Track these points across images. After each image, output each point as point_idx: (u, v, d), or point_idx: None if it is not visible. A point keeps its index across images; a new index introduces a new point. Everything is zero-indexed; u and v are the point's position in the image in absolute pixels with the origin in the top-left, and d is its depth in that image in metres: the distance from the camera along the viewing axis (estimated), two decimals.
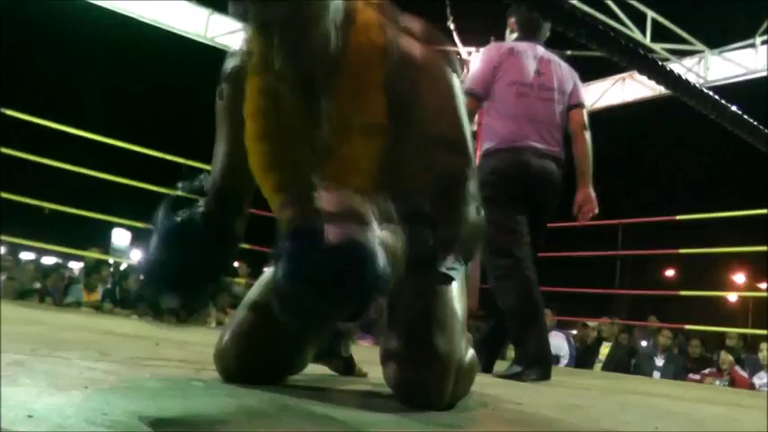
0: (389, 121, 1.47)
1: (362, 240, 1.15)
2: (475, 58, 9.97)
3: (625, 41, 1.40)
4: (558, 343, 8.11)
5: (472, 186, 1.55)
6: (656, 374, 7.81)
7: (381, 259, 1.15)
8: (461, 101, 1.55)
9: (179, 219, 1.48)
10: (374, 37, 1.48)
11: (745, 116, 1.82)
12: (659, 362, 8.05)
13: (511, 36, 4.15)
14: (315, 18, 1.37)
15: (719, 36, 8.54)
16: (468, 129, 1.56)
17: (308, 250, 1.14)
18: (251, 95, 1.54)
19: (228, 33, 9.13)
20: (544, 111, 3.65)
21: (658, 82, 1.59)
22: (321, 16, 1.38)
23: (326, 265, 1.12)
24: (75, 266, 11.49)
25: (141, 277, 1.56)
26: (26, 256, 12.39)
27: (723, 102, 1.69)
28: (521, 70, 3.65)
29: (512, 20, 4.09)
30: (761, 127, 1.83)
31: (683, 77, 1.61)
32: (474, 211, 1.55)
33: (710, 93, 1.73)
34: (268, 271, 1.72)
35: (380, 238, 1.20)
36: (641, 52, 1.49)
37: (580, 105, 3.89)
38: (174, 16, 8.83)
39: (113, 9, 8.48)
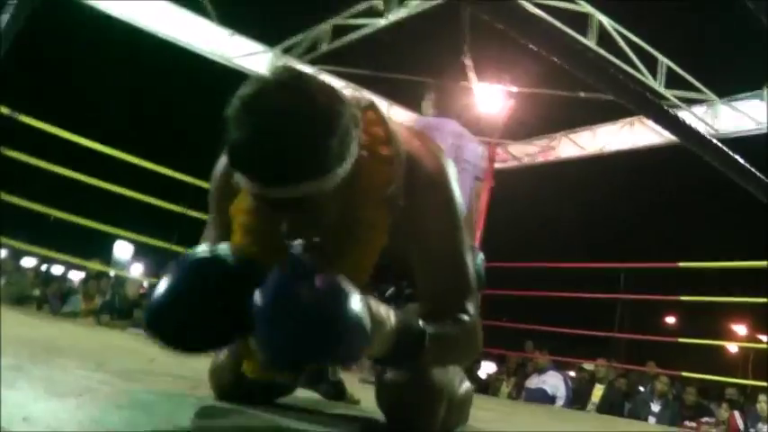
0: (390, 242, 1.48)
1: (345, 287, 1.16)
2: (486, 92, 10.04)
3: (639, 89, 1.43)
4: (555, 383, 8.10)
5: (470, 310, 1.54)
6: (652, 420, 7.77)
7: (363, 311, 1.16)
8: (460, 225, 1.56)
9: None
10: (378, 188, 1.44)
11: (753, 169, 1.84)
12: (655, 407, 8.03)
13: (429, 111, 4.67)
14: (323, 196, 1.28)
15: (729, 85, 8.58)
16: (467, 254, 1.56)
17: (291, 287, 1.15)
18: (240, 209, 1.48)
19: (248, 55, 9.23)
20: (461, 182, 3.98)
21: (670, 131, 1.61)
22: (330, 191, 1.28)
23: (309, 305, 1.12)
24: (76, 277, 11.51)
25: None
26: (27, 262, 12.41)
27: (728, 152, 1.71)
28: (440, 143, 3.99)
29: (431, 97, 4.70)
30: (764, 178, 1.85)
31: (693, 127, 1.63)
32: (468, 337, 1.54)
33: (719, 144, 1.76)
34: None
35: (367, 301, 1.21)
36: (654, 100, 1.51)
37: (480, 179, 4.60)
38: (196, 35, 8.90)
39: (134, 24, 8.54)
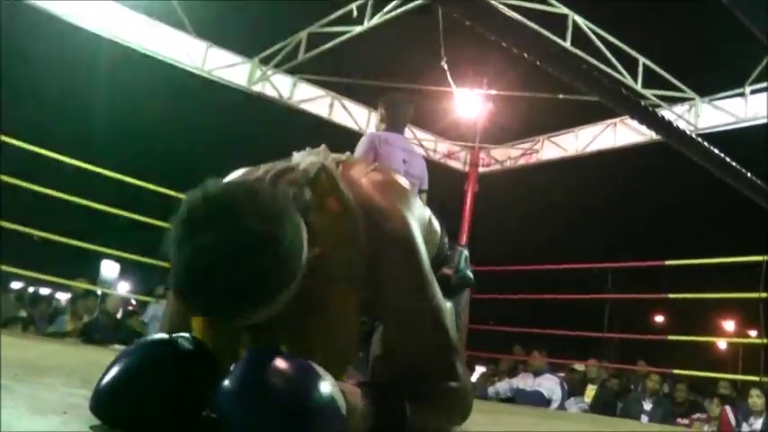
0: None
1: (316, 371, 1.14)
2: (465, 98, 10.07)
3: (618, 87, 1.43)
4: (551, 386, 8.07)
5: (457, 371, 1.49)
6: (644, 418, 7.78)
7: (336, 394, 1.13)
8: (426, 273, 1.49)
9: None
10: (342, 270, 1.40)
11: (733, 162, 1.84)
12: (647, 406, 8.04)
13: (380, 125, 4.81)
14: (278, 310, 1.23)
15: (710, 84, 8.65)
16: (442, 311, 1.50)
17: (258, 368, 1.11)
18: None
19: (227, 66, 9.24)
20: None
21: (650, 128, 1.62)
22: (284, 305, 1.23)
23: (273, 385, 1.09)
24: (63, 297, 11.42)
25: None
26: (13, 284, 12.32)
27: (711, 148, 1.72)
28: (392, 159, 4.38)
29: (382, 111, 4.80)
30: (747, 173, 1.86)
31: (674, 123, 1.63)
32: (459, 384, 1.49)
33: (699, 139, 1.76)
34: None
35: (340, 385, 1.18)
36: (634, 98, 1.52)
37: (424, 191, 4.74)
38: (174, 48, 8.89)
39: (114, 39, 8.53)
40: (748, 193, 1.81)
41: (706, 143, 1.69)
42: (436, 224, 1.91)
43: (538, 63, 1.28)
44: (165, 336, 1.28)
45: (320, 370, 1.14)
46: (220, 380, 1.11)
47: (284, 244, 1.18)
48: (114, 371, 1.20)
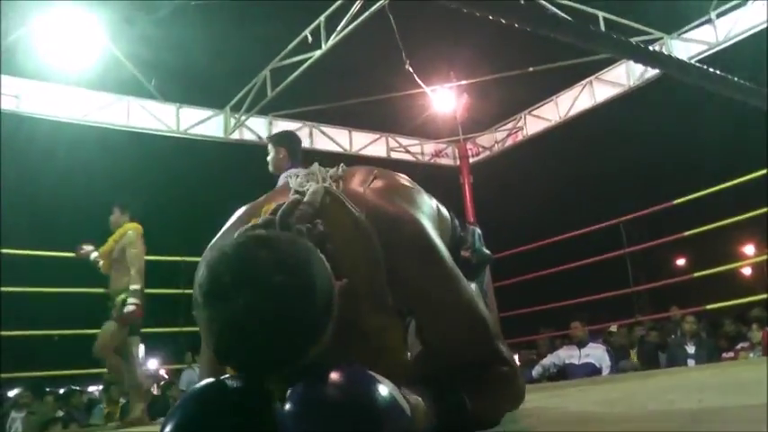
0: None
1: (371, 375, 1.13)
2: (439, 95, 10.08)
3: (609, 34, 1.42)
4: (600, 354, 7.95)
5: (502, 354, 1.51)
6: (691, 362, 7.71)
7: (396, 393, 1.13)
8: (450, 266, 1.50)
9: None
10: (367, 288, 1.40)
11: (729, 76, 1.82)
12: (690, 349, 7.96)
13: (283, 163, 4.92)
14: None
15: (675, 19, 8.65)
16: (473, 298, 1.52)
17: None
18: None
19: (200, 123, 9.27)
20: None
21: (648, 64, 1.60)
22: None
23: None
24: (95, 389, 11.39)
25: None
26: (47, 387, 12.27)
27: (707, 68, 1.70)
28: None
29: (281, 149, 4.96)
30: (755, 87, 1.84)
31: (670, 54, 1.61)
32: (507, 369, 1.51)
33: (694, 62, 1.74)
34: None
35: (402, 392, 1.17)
36: (635, 44, 1.50)
37: None
38: (145, 117, 8.95)
39: (81, 123, 8.60)
40: (760, 104, 1.79)
41: (704, 66, 1.67)
42: (444, 210, 1.92)
43: (520, 27, 1.26)
44: (212, 379, 1.22)
45: (376, 375, 1.13)
46: (280, 410, 1.10)
47: (315, 290, 1.17)
48: (176, 418, 1.15)
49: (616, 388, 2.84)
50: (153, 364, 21.60)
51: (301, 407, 1.09)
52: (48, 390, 9.07)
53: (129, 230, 5.77)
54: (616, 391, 2.56)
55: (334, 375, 1.10)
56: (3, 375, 7.56)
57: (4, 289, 6.55)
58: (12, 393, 9.45)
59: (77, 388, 10.94)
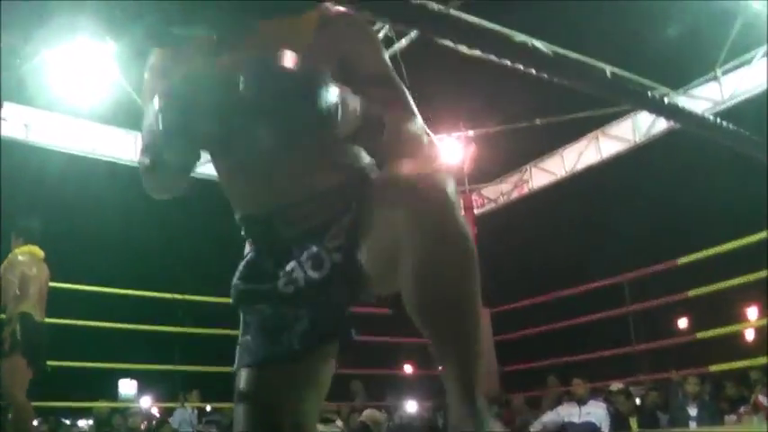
0: None
1: None
2: (446, 145, 10.08)
3: (622, 82, 1.39)
4: (600, 413, 7.79)
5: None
6: (693, 425, 7.57)
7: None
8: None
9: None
10: None
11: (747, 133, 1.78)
12: (693, 411, 7.82)
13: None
14: None
15: (681, 75, 8.69)
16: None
17: None
18: None
19: (208, 162, 9.22)
20: None
21: (662, 115, 1.56)
22: None
23: None
24: (84, 423, 11.23)
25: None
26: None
27: (724, 123, 1.65)
28: None
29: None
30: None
31: (686, 108, 1.57)
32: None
33: (710, 117, 1.70)
34: None
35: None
36: (639, 89, 1.47)
37: None
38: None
39: (89, 156, 8.64)
40: None
41: (724, 122, 1.63)
42: None
43: (538, 73, 1.22)
44: None
45: None
46: None
47: None
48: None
49: None
50: (146, 401, 21.39)
51: None
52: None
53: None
54: None
55: None
56: None
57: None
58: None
59: (66, 421, 10.82)
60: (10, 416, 5.28)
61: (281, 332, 1.61)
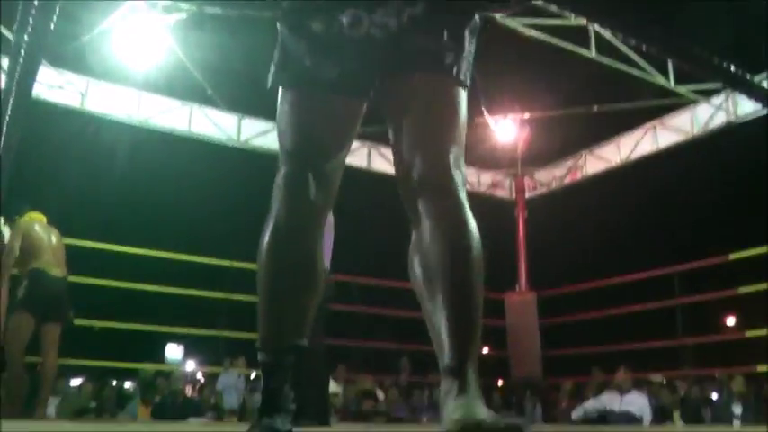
0: None
1: None
2: (501, 126, 10.01)
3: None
4: (641, 404, 7.74)
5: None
6: (736, 423, 7.48)
7: None
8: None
9: None
10: None
11: None
12: (737, 410, 7.72)
13: None
14: None
15: (745, 69, 8.46)
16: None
17: None
18: None
19: (260, 135, 9.31)
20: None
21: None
22: None
23: None
24: (130, 384, 11.49)
25: None
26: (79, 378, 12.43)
27: None
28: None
29: None
30: None
31: None
32: None
33: None
34: None
35: None
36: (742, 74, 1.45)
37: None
38: (206, 124, 9.05)
39: (143, 126, 8.77)
40: None
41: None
42: None
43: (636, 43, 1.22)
44: None
45: None
46: None
47: None
48: None
49: None
50: (190, 365, 21.79)
51: None
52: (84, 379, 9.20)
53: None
54: None
55: None
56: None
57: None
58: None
59: (113, 382, 11.07)
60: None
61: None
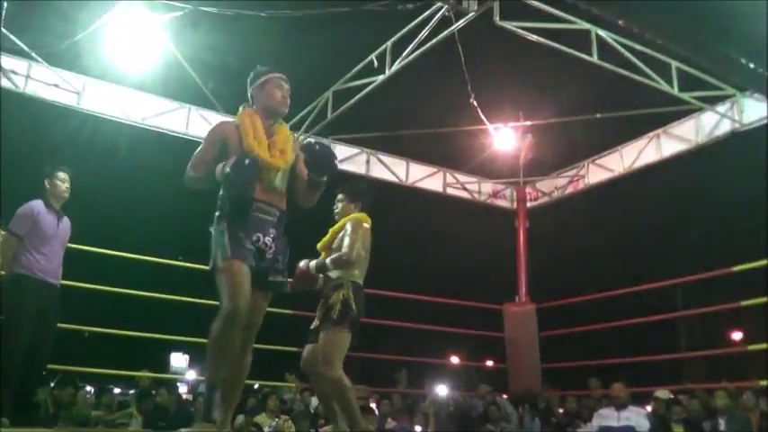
0: None
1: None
2: (502, 134, 9.86)
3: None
4: (639, 420, 7.57)
5: None
6: None
7: None
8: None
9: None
10: None
11: None
12: (721, 425, 7.55)
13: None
14: None
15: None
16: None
17: None
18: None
19: None
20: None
21: None
22: None
23: None
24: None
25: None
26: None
27: None
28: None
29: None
30: None
31: None
32: None
33: None
34: None
35: None
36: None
37: None
38: (203, 126, 8.96)
39: (139, 125, 8.74)
40: None
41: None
42: None
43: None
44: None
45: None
46: None
47: None
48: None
49: None
50: (192, 375, 21.69)
51: None
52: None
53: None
54: None
55: None
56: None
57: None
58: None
59: (116, 390, 10.99)
60: None
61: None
